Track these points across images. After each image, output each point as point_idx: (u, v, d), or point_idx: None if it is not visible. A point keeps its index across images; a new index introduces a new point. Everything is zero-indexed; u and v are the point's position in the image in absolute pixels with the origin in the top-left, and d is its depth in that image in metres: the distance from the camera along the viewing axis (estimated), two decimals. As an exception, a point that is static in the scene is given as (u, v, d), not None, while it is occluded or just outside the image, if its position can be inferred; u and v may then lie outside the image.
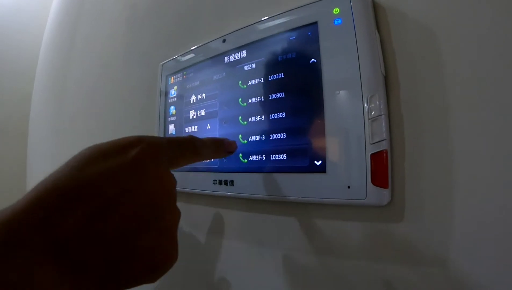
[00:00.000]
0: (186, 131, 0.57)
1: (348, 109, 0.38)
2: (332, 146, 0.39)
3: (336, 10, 0.40)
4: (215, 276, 0.55)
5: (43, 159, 1.97)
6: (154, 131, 0.65)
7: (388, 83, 0.38)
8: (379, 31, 0.39)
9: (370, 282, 0.38)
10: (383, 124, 0.36)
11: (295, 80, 0.44)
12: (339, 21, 0.40)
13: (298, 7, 0.44)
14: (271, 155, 0.45)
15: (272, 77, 0.46)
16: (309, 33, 0.43)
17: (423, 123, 0.36)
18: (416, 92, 0.36)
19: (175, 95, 0.61)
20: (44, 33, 2.83)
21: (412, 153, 0.36)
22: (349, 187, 0.37)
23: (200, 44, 0.58)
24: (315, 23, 0.42)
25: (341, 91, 0.39)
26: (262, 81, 0.47)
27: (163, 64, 0.66)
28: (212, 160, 0.52)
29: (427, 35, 0.36)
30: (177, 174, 0.58)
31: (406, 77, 0.37)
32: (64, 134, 1.54)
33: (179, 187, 0.58)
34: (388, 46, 0.39)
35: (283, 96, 0.45)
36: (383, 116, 0.36)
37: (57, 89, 1.77)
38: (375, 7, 0.40)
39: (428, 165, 0.35)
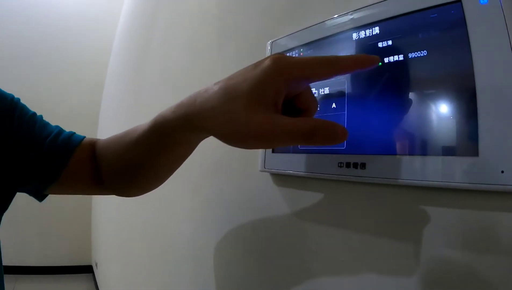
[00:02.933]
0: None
1: (502, 89, 0.34)
2: (486, 126, 0.35)
3: None
4: (337, 278, 0.51)
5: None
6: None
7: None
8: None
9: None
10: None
11: (441, 58, 0.40)
12: (485, 0, 0.37)
13: (438, -16, 0.41)
14: (413, 137, 0.41)
15: (413, 54, 0.42)
16: (452, 11, 0.39)
17: None
18: None
19: (290, 73, 0.58)
20: (118, 22, 2.95)
21: None
22: (502, 171, 0.33)
23: (321, 20, 0.54)
24: (459, 1, 0.39)
25: (493, 71, 0.35)
26: (402, 58, 0.44)
27: (273, 41, 0.64)
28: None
29: None
30: (292, 156, 0.55)
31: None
32: (137, 119, 1.57)
33: (293, 170, 0.55)
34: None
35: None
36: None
37: (132, 76, 1.82)
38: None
39: None
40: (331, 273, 0.50)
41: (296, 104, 0.38)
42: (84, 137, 0.58)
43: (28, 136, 0.53)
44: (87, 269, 2.96)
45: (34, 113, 0.56)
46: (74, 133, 0.58)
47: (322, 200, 0.53)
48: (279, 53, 0.35)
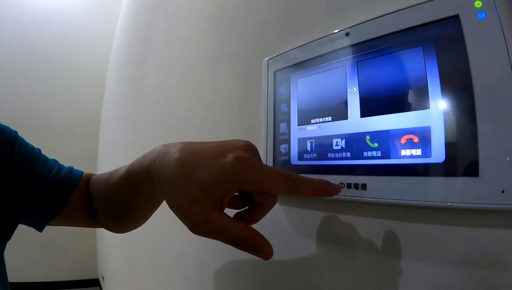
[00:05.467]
0: (308, 129, 0.55)
1: (502, 108, 0.34)
2: (486, 147, 0.35)
3: (478, 3, 0.37)
4: None
5: (114, 156, 2.06)
6: (261, 130, 0.64)
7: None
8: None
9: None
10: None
11: (440, 75, 0.40)
12: (483, 15, 0.36)
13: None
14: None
15: (409, 71, 0.43)
16: (450, 27, 0.39)
17: None
18: None
19: (287, 91, 0.59)
20: (114, 36, 2.96)
21: None
22: (503, 191, 0.33)
23: (316, 38, 0.55)
24: (456, 16, 0.39)
25: (492, 88, 0.35)
26: (397, 76, 0.44)
27: (269, 59, 0.64)
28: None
29: None
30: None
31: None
32: (138, 133, 1.58)
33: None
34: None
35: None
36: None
37: (132, 90, 1.83)
38: (514, 0, 0.35)
39: None
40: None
41: (253, 196, 0.38)
42: (82, 173, 0.61)
43: (29, 173, 0.55)
44: (94, 283, 2.96)
45: (33, 147, 0.59)
46: (73, 168, 0.61)
47: (325, 219, 0.53)
48: (249, 149, 0.37)
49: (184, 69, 1.13)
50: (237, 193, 0.42)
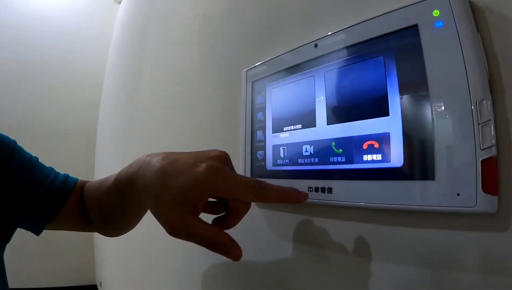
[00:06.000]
0: (281, 136, 0.57)
1: (457, 114, 0.36)
2: (441, 152, 0.37)
3: (436, 12, 0.39)
4: None
5: (111, 160, 2.07)
6: (240, 138, 0.66)
7: (492, 87, 0.36)
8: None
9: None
10: (492, 129, 0.34)
11: (399, 82, 0.42)
12: (441, 24, 0.38)
13: (395, 10, 0.43)
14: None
15: (372, 79, 0.45)
16: (409, 36, 0.42)
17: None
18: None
19: (263, 101, 0.62)
20: (110, 44, 2.98)
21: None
22: (458, 194, 0.35)
23: (289, 50, 0.58)
24: (415, 26, 0.41)
25: (448, 95, 0.37)
26: (361, 84, 0.46)
27: (247, 70, 0.67)
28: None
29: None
30: (268, 181, 0.57)
31: (511, 81, 0.35)
32: (133, 138, 1.59)
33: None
34: (489, 49, 0.37)
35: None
36: (491, 121, 0.34)
37: (126, 97, 1.84)
38: (473, 9, 0.38)
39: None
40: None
41: (228, 203, 0.42)
42: (77, 179, 0.64)
43: (27, 179, 0.58)
44: (92, 289, 2.96)
45: (31, 156, 0.62)
46: (68, 175, 0.64)
47: (299, 222, 0.56)
48: (221, 159, 0.40)
49: (173, 79, 1.16)
50: (215, 200, 0.45)
